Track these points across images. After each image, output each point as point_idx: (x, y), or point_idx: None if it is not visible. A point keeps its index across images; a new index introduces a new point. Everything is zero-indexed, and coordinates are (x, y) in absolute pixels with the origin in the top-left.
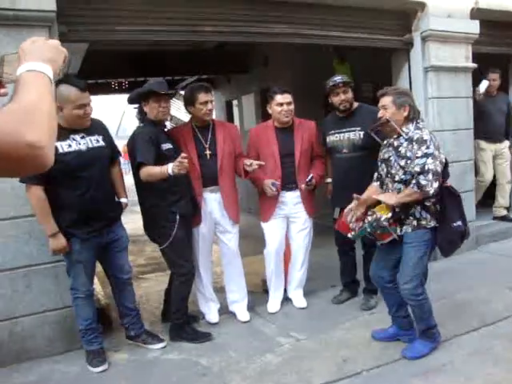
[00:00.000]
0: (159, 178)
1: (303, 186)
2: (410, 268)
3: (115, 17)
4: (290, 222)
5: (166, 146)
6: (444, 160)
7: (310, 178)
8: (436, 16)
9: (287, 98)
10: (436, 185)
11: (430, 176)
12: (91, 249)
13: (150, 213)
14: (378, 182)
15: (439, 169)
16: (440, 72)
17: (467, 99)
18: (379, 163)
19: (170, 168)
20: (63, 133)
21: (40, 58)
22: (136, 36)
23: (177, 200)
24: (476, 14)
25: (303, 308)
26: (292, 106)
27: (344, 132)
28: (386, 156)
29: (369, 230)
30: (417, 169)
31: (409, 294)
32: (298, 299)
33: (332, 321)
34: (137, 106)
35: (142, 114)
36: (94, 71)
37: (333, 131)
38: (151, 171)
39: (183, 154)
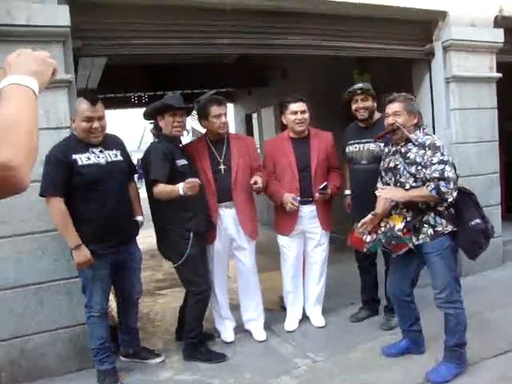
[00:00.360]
0: (171, 197)
1: (317, 194)
2: (440, 277)
3: (130, 30)
4: (307, 238)
5: (181, 162)
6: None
7: (323, 185)
8: (458, 25)
9: (301, 106)
10: (455, 194)
11: (452, 185)
12: (108, 265)
13: (162, 230)
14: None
15: (455, 176)
16: (462, 82)
17: (491, 110)
18: (383, 172)
19: (180, 189)
20: (82, 145)
21: (25, 71)
22: (151, 49)
23: (190, 217)
24: (500, 21)
25: (321, 327)
26: (307, 115)
27: (364, 143)
28: (392, 164)
29: (383, 240)
30: (435, 175)
31: (445, 302)
32: (316, 317)
33: (351, 341)
34: (152, 121)
35: (157, 129)
36: (113, 85)
37: (352, 141)
38: (164, 190)
39: (192, 180)
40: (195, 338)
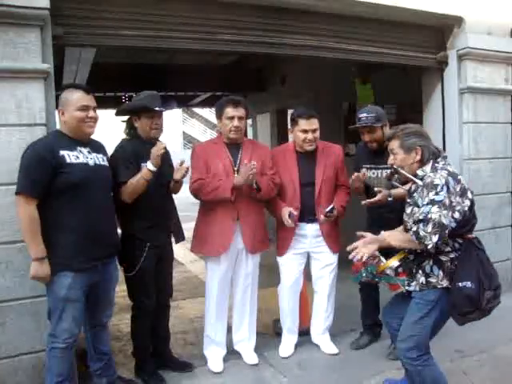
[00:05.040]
0: (142, 184)
1: (322, 216)
2: (407, 326)
3: (120, 20)
4: (312, 259)
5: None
6: (468, 204)
7: (330, 208)
8: (474, 33)
9: (314, 124)
10: (435, 238)
11: (430, 227)
12: (82, 285)
13: (123, 236)
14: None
15: (445, 221)
16: (477, 94)
17: (505, 125)
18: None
19: (148, 164)
20: (69, 142)
21: None
22: (143, 42)
23: (147, 227)
24: None
25: (334, 354)
26: (318, 134)
27: (381, 168)
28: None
29: (364, 274)
30: (420, 217)
31: (402, 354)
32: (327, 345)
33: (355, 374)
34: (125, 119)
35: (131, 130)
36: (103, 84)
37: (368, 165)
38: (129, 184)
39: (159, 143)
40: (139, 357)
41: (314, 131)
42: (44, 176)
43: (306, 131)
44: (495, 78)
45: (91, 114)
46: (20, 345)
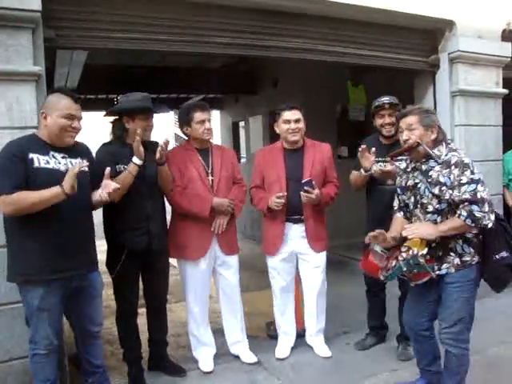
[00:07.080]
0: (129, 179)
1: (301, 194)
2: (454, 311)
3: (112, 22)
4: (300, 260)
5: (122, 167)
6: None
7: (306, 180)
8: (465, 36)
9: (296, 114)
10: (493, 216)
11: (486, 207)
12: (57, 294)
13: (106, 238)
14: (402, 212)
15: (489, 198)
16: (468, 97)
17: (496, 128)
18: (400, 191)
19: (134, 158)
20: (42, 146)
21: None
22: (135, 45)
23: (122, 231)
24: (508, 35)
25: (327, 357)
26: (301, 124)
27: (389, 161)
28: (412, 182)
29: (405, 269)
30: (465, 196)
31: (452, 339)
32: (320, 347)
33: (349, 377)
34: (112, 120)
35: (122, 132)
36: (94, 86)
37: (376, 159)
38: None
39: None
40: (127, 357)
41: (296, 121)
42: (19, 169)
43: (288, 121)
44: (486, 81)
45: (75, 124)
46: (11, 349)
